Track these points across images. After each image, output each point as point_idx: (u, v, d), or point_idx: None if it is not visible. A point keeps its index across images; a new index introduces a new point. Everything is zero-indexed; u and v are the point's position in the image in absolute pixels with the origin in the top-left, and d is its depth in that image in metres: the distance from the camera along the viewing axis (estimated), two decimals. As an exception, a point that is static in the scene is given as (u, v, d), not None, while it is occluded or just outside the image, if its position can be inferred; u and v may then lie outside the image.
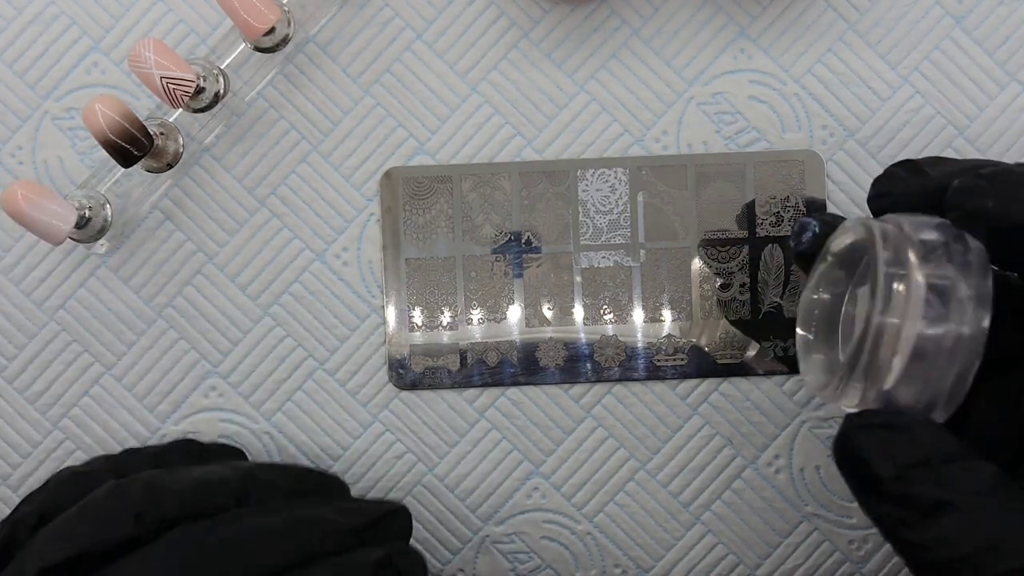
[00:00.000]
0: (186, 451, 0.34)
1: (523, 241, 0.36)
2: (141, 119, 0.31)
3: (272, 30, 0.33)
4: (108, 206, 0.34)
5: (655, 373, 0.36)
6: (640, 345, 0.36)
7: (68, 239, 0.32)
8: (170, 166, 0.34)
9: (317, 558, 0.28)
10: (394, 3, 0.36)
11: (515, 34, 0.36)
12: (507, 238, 0.36)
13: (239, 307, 0.36)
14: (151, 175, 0.34)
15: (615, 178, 0.36)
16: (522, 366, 0.36)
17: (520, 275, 0.36)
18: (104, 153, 0.31)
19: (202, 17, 0.36)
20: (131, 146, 0.31)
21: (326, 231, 0.37)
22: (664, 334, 0.36)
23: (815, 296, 0.30)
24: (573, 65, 0.36)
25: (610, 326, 0.36)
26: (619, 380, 0.37)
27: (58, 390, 0.37)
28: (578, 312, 0.36)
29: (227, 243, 0.37)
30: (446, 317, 0.36)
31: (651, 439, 0.37)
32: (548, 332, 0.36)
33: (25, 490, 0.37)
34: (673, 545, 0.37)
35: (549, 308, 0.36)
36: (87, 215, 0.33)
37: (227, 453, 0.35)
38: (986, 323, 0.23)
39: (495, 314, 0.36)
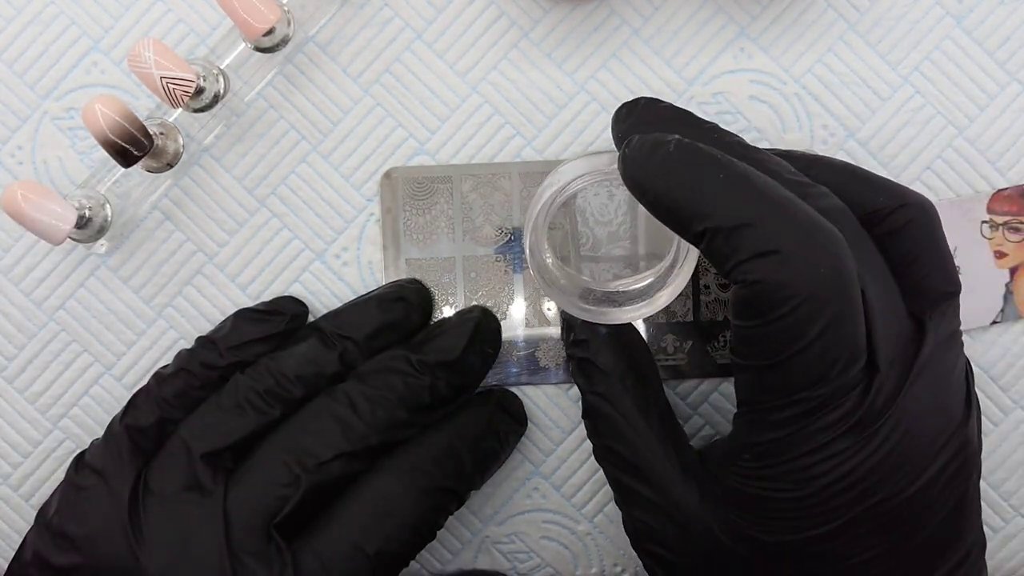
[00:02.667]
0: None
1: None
2: (141, 119, 0.31)
3: (272, 30, 0.33)
4: (108, 206, 0.34)
5: (655, 373, 0.36)
6: (640, 345, 0.36)
7: (68, 239, 0.32)
8: (170, 166, 0.34)
9: (448, 399, 0.34)
10: (394, 3, 0.36)
11: (515, 34, 0.36)
12: (507, 238, 0.36)
13: (239, 307, 0.36)
14: (151, 175, 0.34)
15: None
16: (523, 366, 0.36)
17: (520, 275, 0.36)
18: (104, 153, 0.31)
19: (202, 17, 0.36)
20: (131, 146, 0.31)
21: (326, 231, 0.37)
22: (665, 334, 0.36)
23: None
24: (573, 65, 0.36)
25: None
26: (619, 380, 0.36)
27: (58, 390, 0.37)
28: (578, 312, 0.36)
29: (227, 243, 0.37)
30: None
31: (651, 439, 0.37)
32: (549, 332, 0.36)
33: (26, 490, 0.37)
34: (673, 545, 0.37)
35: (549, 308, 0.36)
36: (87, 215, 0.33)
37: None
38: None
39: (495, 314, 0.36)
